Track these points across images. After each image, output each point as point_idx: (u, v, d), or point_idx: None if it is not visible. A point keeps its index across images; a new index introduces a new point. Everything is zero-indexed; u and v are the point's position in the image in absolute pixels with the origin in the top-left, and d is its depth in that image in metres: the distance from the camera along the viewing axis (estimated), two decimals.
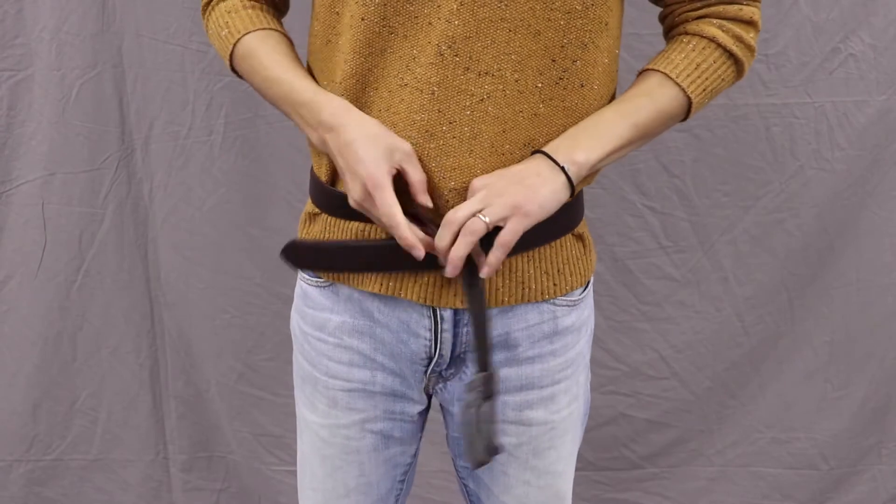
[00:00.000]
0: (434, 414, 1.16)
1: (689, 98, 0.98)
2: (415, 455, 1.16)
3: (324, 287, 1.05)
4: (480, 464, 0.96)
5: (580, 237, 1.04)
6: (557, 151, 0.93)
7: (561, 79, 0.94)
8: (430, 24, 0.91)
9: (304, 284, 1.08)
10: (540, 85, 0.93)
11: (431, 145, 0.93)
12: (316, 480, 1.13)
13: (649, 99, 0.98)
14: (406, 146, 0.92)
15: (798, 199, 1.70)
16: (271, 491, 1.92)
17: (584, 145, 0.94)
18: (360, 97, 0.96)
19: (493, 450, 0.96)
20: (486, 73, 0.91)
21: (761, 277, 1.76)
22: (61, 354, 1.84)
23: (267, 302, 1.80)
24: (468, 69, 0.91)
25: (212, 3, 1.09)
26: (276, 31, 1.05)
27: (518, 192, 0.90)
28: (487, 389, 0.95)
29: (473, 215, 0.89)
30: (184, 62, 1.67)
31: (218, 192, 1.75)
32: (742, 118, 1.67)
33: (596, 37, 0.95)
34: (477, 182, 0.92)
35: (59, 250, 1.78)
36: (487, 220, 0.89)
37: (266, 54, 1.02)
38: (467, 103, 0.92)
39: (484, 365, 0.95)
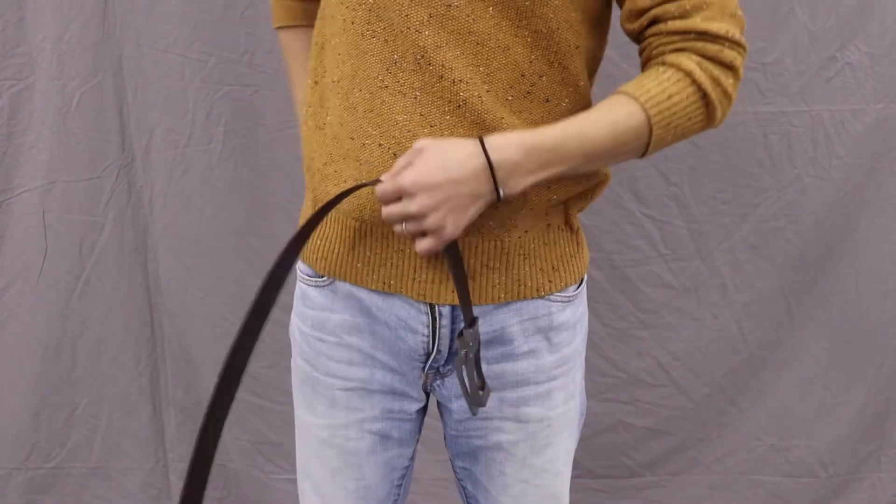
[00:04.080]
0: (431, 421, 1.16)
1: (650, 128, 0.91)
2: (412, 458, 1.16)
3: (323, 286, 1.06)
4: (479, 404, 0.98)
5: (576, 232, 1.06)
6: (502, 168, 0.89)
7: (529, 93, 0.95)
8: (402, 32, 0.93)
9: (303, 285, 1.10)
10: (510, 98, 0.94)
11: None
12: (316, 484, 1.14)
13: (612, 129, 0.92)
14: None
15: (796, 206, 1.71)
16: (270, 499, 1.92)
17: (530, 168, 0.90)
18: (348, 97, 0.99)
19: (486, 390, 0.98)
20: (461, 81, 0.93)
21: (760, 285, 1.76)
22: (61, 362, 1.84)
23: None
24: (442, 77, 0.93)
25: None
26: (302, 27, 1.18)
27: (448, 216, 0.89)
28: (475, 339, 0.96)
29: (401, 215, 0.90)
30: (184, 71, 1.68)
31: (217, 201, 1.75)
32: (740, 126, 1.67)
33: (564, 58, 0.95)
34: (416, 177, 0.88)
35: (59, 258, 1.78)
36: (407, 232, 0.91)
37: (291, 61, 1.20)
38: (446, 109, 0.94)
39: (470, 316, 0.96)
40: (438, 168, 0.88)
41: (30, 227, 1.76)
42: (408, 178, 0.88)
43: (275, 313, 1.92)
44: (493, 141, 0.89)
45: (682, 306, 1.78)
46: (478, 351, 0.97)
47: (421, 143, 0.89)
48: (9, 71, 1.68)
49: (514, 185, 0.90)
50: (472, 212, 0.90)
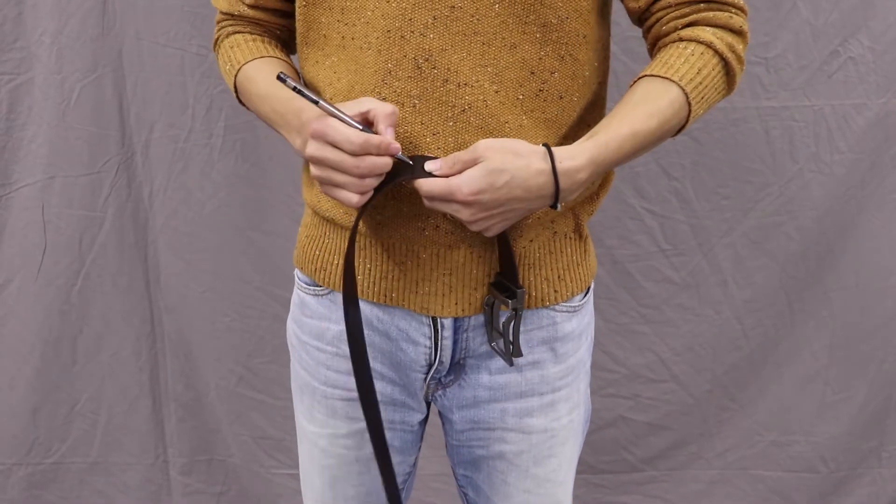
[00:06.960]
0: (433, 417, 1.16)
1: (689, 106, 0.92)
2: (414, 464, 1.16)
3: (322, 295, 1.05)
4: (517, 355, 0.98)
5: (584, 239, 1.04)
6: (569, 189, 0.87)
7: (541, 90, 0.93)
8: (403, 37, 0.91)
9: (301, 293, 1.08)
10: (521, 97, 0.93)
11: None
12: (315, 492, 1.13)
13: (659, 120, 0.91)
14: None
15: (797, 202, 1.71)
16: (271, 494, 1.92)
17: (590, 181, 0.90)
18: None
19: (517, 351, 0.97)
20: (466, 84, 0.91)
21: (760, 280, 1.76)
22: (61, 358, 1.84)
23: (266, 305, 1.80)
24: (447, 80, 0.91)
25: (219, 41, 1.10)
26: (277, 58, 1.05)
27: (497, 225, 0.89)
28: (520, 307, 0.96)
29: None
30: (184, 65, 1.67)
31: (218, 196, 1.75)
32: (741, 121, 1.67)
33: (574, 49, 0.94)
34: (474, 191, 0.84)
35: (58, 253, 1.78)
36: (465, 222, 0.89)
37: (261, 76, 1.01)
38: (449, 114, 0.91)
39: (515, 282, 0.95)
40: (500, 186, 0.85)
41: (29, 223, 1.76)
42: (465, 191, 0.84)
43: (275, 309, 1.92)
44: (564, 161, 0.86)
45: (684, 302, 1.77)
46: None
47: (485, 145, 0.85)
48: (8, 65, 1.67)
49: (570, 198, 0.90)
50: (519, 219, 0.90)
